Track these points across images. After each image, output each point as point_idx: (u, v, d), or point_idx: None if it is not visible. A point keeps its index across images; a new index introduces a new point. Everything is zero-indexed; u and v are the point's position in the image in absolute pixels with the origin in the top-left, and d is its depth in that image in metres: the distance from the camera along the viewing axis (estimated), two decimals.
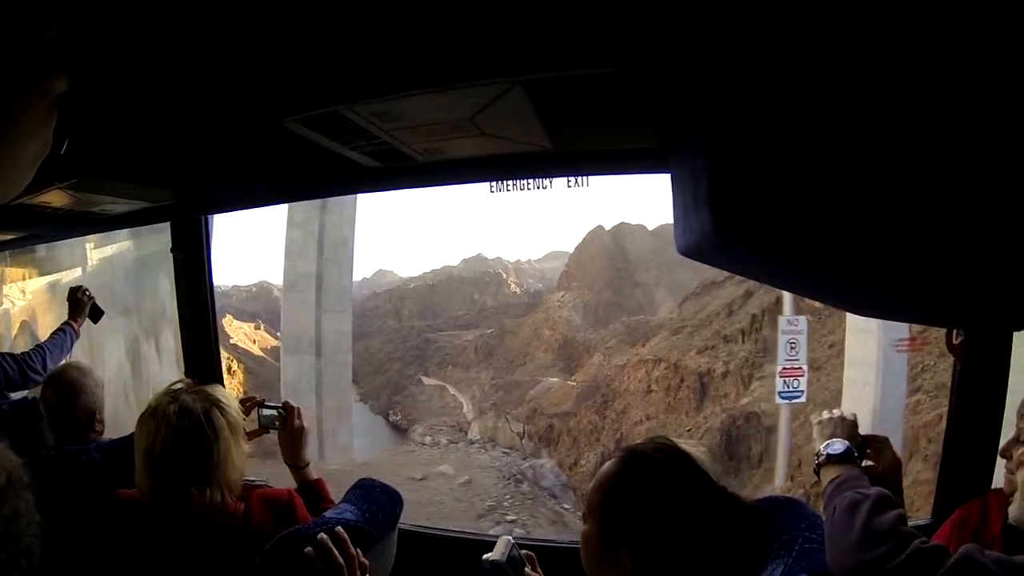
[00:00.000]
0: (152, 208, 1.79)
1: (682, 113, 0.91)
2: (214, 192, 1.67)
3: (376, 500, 1.32)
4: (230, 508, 1.21)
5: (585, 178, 1.23)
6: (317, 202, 15.45)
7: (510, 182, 1.21)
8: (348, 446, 16.67)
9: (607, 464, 0.94)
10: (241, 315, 33.26)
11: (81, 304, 2.34)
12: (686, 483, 0.86)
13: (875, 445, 1.28)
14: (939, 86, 0.63)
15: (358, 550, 1.04)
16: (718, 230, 0.77)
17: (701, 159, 0.80)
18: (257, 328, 32.75)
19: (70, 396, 1.77)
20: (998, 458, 1.38)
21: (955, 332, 1.39)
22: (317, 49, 0.79)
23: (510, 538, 1.13)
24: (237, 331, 29.74)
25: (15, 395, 2.27)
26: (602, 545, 0.89)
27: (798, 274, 0.93)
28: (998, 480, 1.34)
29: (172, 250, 2.09)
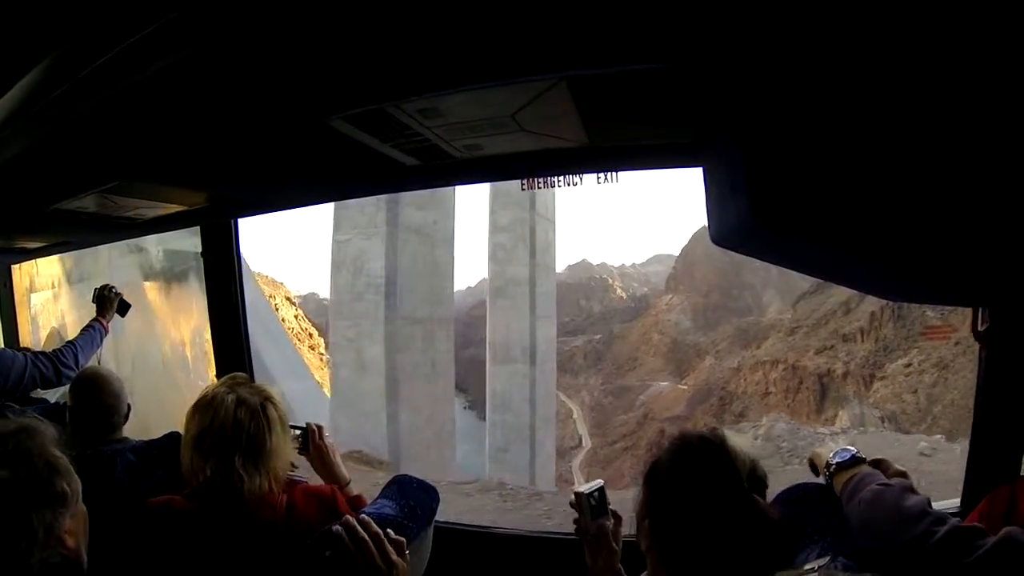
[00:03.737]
0: (185, 212, 1.83)
1: (714, 107, 0.94)
2: (247, 194, 1.71)
3: (413, 495, 1.34)
4: (274, 499, 1.24)
5: (616, 174, 1.27)
6: (525, 204, 15.07)
7: (542, 179, 1.25)
8: (552, 455, 16.26)
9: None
10: None
11: (109, 301, 2.42)
12: (709, 480, 0.91)
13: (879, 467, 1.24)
14: (970, 75, 0.65)
15: (389, 531, 1.06)
16: (755, 218, 0.80)
17: (736, 150, 0.82)
18: None
19: (93, 394, 1.81)
20: None
21: (980, 319, 1.39)
22: (367, 47, 0.82)
23: (601, 481, 1.31)
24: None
25: (45, 399, 2.32)
26: (641, 513, 0.98)
27: (831, 259, 0.95)
28: None
29: (202, 254, 2.14)
